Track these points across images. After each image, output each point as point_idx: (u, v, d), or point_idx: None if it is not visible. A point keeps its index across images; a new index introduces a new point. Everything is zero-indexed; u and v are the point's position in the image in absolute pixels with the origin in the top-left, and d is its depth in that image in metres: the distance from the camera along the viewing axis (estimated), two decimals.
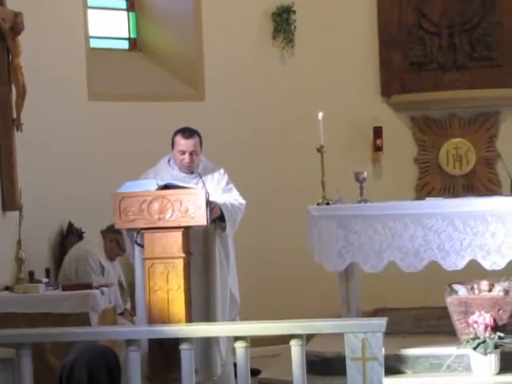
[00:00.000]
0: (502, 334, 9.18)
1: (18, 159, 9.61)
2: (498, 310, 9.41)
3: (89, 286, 9.03)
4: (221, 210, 8.45)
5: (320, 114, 9.68)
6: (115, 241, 9.83)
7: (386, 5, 12.18)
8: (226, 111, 11.44)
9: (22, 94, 9.58)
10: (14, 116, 9.56)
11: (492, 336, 9.15)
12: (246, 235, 9.21)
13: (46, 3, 10.24)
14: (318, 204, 9.70)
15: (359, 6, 12.14)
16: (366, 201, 9.84)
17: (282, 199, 10.77)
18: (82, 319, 8.64)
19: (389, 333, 8.01)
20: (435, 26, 12.21)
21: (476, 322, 9.24)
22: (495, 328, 9.21)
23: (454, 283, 9.64)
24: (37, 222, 9.76)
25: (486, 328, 9.18)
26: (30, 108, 9.64)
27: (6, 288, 9.18)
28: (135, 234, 8.59)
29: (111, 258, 9.99)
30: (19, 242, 9.31)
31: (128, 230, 8.62)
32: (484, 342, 9.13)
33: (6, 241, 9.32)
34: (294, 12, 12.01)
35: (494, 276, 9.57)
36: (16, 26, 9.56)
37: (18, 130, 9.61)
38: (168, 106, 11.04)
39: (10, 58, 9.54)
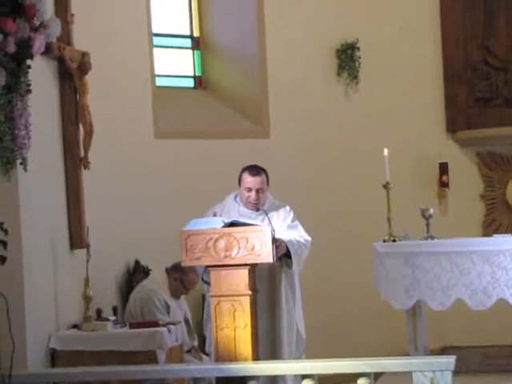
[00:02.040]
0: None
1: (85, 198, 9.66)
2: None
3: (156, 324, 9.05)
4: (287, 247, 8.46)
5: (386, 151, 9.69)
6: (180, 280, 9.85)
7: (450, 40, 12.16)
8: (291, 148, 11.48)
9: (89, 133, 9.64)
10: (82, 155, 9.62)
11: None
12: (312, 272, 9.18)
13: (113, 43, 10.32)
14: (384, 241, 9.68)
15: (424, 42, 12.16)
16: (432, 237, 9.81)
17: (348, 236, 10.79)
18: (150, 357, 8.64)
19: (457, 371, 7.94)
20: (500, 61, 12.20)
21: None
22: None
23: None
24: (104, 260, 9.77)
25: None
26: (97, 147, 9.69)
27: (74, 326, 9.22)
28: (201, 272, 8.62)
29: (176, 296, 9.97)
30: (87, 280, 9.31)
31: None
32: None
33: (74, 279, 9.36)
34: (358, 49, 12.07)
35: None
36: (83, 65, 9.62)
37: (85, 169, 9.67)
38: (233, 143, 11.10)
39: (78, 97, 9.61)
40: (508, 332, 9.59)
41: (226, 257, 8.22)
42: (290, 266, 8.62)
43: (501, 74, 12.17)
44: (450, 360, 7.87)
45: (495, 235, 10.20)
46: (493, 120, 11.97)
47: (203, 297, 9.76)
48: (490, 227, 11.60)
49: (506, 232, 10.66)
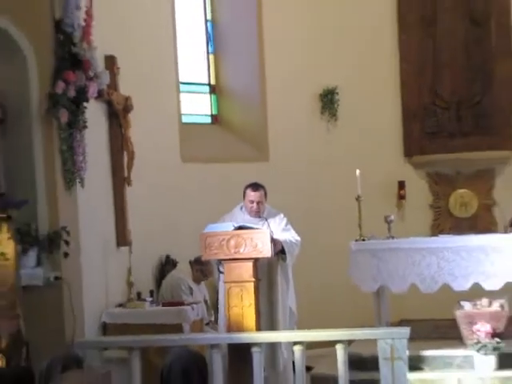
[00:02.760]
0: (498, 340, 9.14)
1: (128, 207, 9.71)
2: (496, 321, 9.41)
3: (182, 304, 9.19)
4: (282, 245, 8.48)
5: (358, 171, 9.66)
6: (200, 270, 9.89)
7: (407, 88, 12.13)
8: (285, 169, 11.43)
9: (131, 158, 9.70)
10: (126, 175, 9.68)
11: (491, 341, 9.13)
12: (303, 265, 9.17)
13: (149, 89, 10.30)
14: (357, 240, 9.68)
15: (386, 89, 12.10)
16: (392, 237, 9.77)
17: (330, 237, 10.68)
18: (177, 328, 8.74)
19: (411, 338, 7.97)
20: (445, 102, 12.15)
21: (479, 330, 9.20)
22: (493, 335, 9.20)
23: (462, 300, 9.56)
24: (143, 255, 9.84)
25: (486, 335, 9.15)
26: (137, 169, 9.76)
27: (120, 305, 9.29)
28: (217, 264, 8.69)
29: (197, 282, 9.99)
30: (129, 270, 9.41)
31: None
32: (485, 346, 9.09)
33: (120, 269, 9.44)
34: (337, 93, 12.02)
35: (492, 295, 9.52)
36: (126, 107, 9.70)
37: (128, 185, 9.72)
38: (240, 166, 11.05)
39: (122, 131, 9.68)
40: (450, 309, 9.59)
41: (235, 253, 8.19)
42: (284, 259, 8.59)
43: (445, 112, 12.14)
44: (405, 330, 7.90)
45: (440, 235, 10.22)
46: (439, 148, 11.95)
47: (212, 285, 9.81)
48: (437, 230, 11.55)
49: (448, 233, 10.61)
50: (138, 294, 9.55)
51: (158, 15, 10.81)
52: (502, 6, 11.94)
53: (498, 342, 9.08)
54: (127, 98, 9.72)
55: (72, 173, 8.53)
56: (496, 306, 9.49)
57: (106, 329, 9.00)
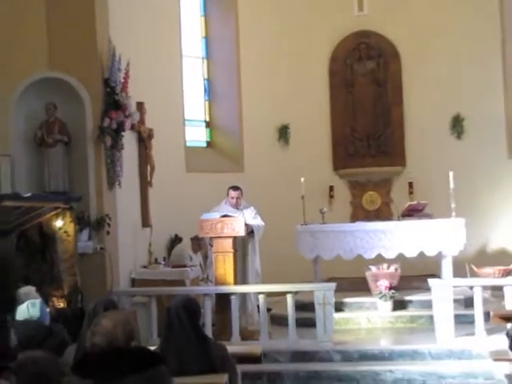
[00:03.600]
0: (394, 291, 9.23)
1: (150, 201, 9.70)
2: (392, 278, 9.47)
3: (184, 266, 9.21)
4: (252, 228, 8.48)
5: (302, 179, 9.62)
6: (197, 244, 9.82)
7: (336, 125, 12.04)
8: (255, 178, 11.26)
9: (152, 169, 9.73)
10: (149, 180, 9.69)
11: (389, 292, 9.21)
12: (267, 241, 9.14)
13: (165, 123, 10.24)
14: (301, 225, 9.65)
15: (322, 126, 11.97)
16: (325, 223, 9.69)
17: (285, 222, 10.29)
18: (181, 283, 8.74)
19: (337, 290, 8.06)
20: (360, 135, 12.09)
21: (381, 284, 9.29)
22: (390, 288, 9.26)
23: (370, 265, 9.66)
24: (159, 234, 9.81)
25: (385, 288, 9.23)
26: (156, 176, 9.76)
27: (144, 266, 9.29)
28: (209, 241, 8.69)
29: (195, 252, 9.91)
30: (150, 244, 9.43)
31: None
32: (385, 295, 9.19)
33: (144, 242, 9.45)
34: (289, 128, 11.94)
35: (389, 261, 9.55)
36: (150, 135, 9.72)
37: (150, 186, 9.72)
38: (225, 175, 10.91)
39: (147, 151, 9.69)
40: (362, 270, 9.59)
41: (221, 232, 8.18)
42: (253, 237, 8.58)
43: (360, 142, 12.04)
44: (332, 284, 8.05)
45: (356, 222, 10.18)
46: (356, 165, 11.87)
47: (205, 253, 9.72)
48: (354, 218, 11.44)
49: (361, 220, 10.39)
50: (156, 260, 9.57)
51: (171, 74, 10.80)
52: (395, 73, 11.90)
53: (393, 293, 9.20)
54: (150, 130, 9.73)
55: (113, 178, 8.59)
56: (392, 268, 9.56)
57: (134, 282, 9.00)
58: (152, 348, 4.04)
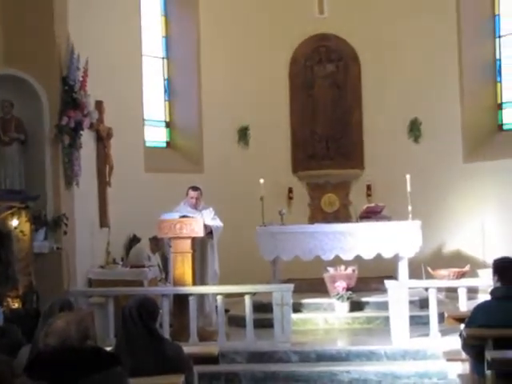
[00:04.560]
0: (351, 292, 9.29)
1: (108, 201, 9.64)
2: (349, 280, 9.53)
3: (143, 266, 9.09)
4: (210, 229, 8.43)
5: (261, 180, 9.64)
6: (155, 244, 9.72)
7: (295, 127, 12.07)
8: (214, 178, 11.24)
9: (111, 169, 9.67)
10: (107, 180, 9.63)
11: (346, 293, 9.27)
12: (226, 241, 9.12)
13: (125, 123, 10.15)
14: (260, 226, 9.66)
15: (282, 128, 12.01)
16: (284, 224, 9.75)
17: (245, 223, 10.32)
18: (139, 283, 8.67)
19: (295, 291, 8.08)
20: (319, 137, 12.14)
21: (338, 286, 9.34)
22: (347, 289, 9.32)
23: (328, 266, 9.67)
24: (117, 233, 9.73)
25: (343, 289, 9.29)
26: (115, 176, 9.70)
27: (101, 266, 9.19)
28: (168, 241, 8.63)
29: (153, 252, 9.82)
30: (108, 243, 9.35)
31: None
32: (342, 296, 9.25)
33: (101, 242, 9.37)
34: (249, 129, 11.95)
35: (347, 263, 9.58)
36: (109, 134, 9.66)
37: (109, 186, 9.66)
38: (184, 175, 10.86)
39: (106, 150, 9.61)
40: (320, 271, 9.62)
41: (179, 233, 8.14)
42: (212, 238, 8.53)
43: (319, 144, 12.10)
44: (290, 285, 8.06)
45: (315, 224, 10.24)
46: (315, 167, 11.92)
47: (163, 253, 9.72)
48: (313, 219, 11.43)
49: (320, 222, 10.50)
50: (114, 260, 9.49)
51: (131, 74, 10.72)
52: (355, 76, 12.00)
53: (350, 294, 9.25)
54: (109, 129, 9.67)
55: (71, 177, 8.51)
56: (349, 270, 9.61)
57: (90, 283, 8.91)
58: (108, 348, 4.00)
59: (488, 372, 4.72)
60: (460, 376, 5.97)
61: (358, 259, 9.47)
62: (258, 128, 11.89)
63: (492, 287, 5.37)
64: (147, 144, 11.22)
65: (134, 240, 10.17)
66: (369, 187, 11.79)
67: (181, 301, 8.06)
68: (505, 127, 11.45)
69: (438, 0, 11.52)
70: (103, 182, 9.57)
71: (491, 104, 11.55)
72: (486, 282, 7.85)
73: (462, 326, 5.52)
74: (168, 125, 11.89)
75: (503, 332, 4.73)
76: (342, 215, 11.62)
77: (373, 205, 10.19)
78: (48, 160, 8.34)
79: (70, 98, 8.41)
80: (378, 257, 9.36)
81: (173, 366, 4.24)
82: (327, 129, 12.11)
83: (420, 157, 11.58)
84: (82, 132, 8.57)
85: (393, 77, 11.74)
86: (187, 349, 4.91)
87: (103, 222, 9.49)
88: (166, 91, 11.90)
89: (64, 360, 3.17)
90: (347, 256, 9.43)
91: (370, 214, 9.91)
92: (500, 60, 11.51)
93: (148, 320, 4.31)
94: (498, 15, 11.51)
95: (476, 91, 11.50)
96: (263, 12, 11.88)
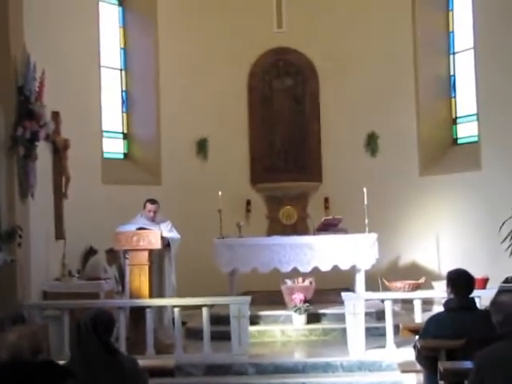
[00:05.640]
0: (308, 304, 9.33)
1: (64, 213, 9.55)
2: (307, 292, 9.55)
3: (99, 279, 9.00)
4: (168, 241, 8.41)
5: (220, 193, 9.69)
6: (112, 257, 9.67)
7: (254, 140, 12.17)
8: (173, 189, 11.21)
9: (67, 180, 9.56)
10: (63, 191, 9.53)
11: (303, 305, 9.31)
12: (184, 253, 9.07)
13: (82, 134, 10.08)
14: (218, 238, 9.67)
15: (241, 141, 12.08)
16: (242, 236, 9.80)
17: (203, 235, 10.29)
18: (95, 296, 8.56)
19: (252, 303, 8.11)
20: (278, 150, 12.22)
21: (296, 298, 9.38)
22: (305, 301, 9.36)
23: (285, 278, 9.71)
24: (74, 246, 9.62)
25: (300, 301, 9.33)
26: (71, 188, 9.60)
27: (57, 279, 9.08)
28: (124, 253, 8.58)
29: (110, 265, 9.77)
30: (63, 256, 9.23)
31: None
32: (299, 308, 9.29)
33: (57, 254, 9.23)
34: (208, 141, 11.98)
35: (305, 275, 9.64)
36: (65, 146, 9.56)
37: (65, 198, 9.55)
38: (141, 187, 10.83)
39: (62, 162, 9.52)
40: (278, 283, 9.65)
41: (136, 245, 8.12)
42: (169, 250, 8.50)
43: (277, 157, 12.19)
44: (248, 298, 8.10)
45: (273, 236, 10.25)
46: (273, 179, 11.86)
47: (120, 265, 9.62)
48: (271, 232, 11.22)
49: (278, 234, 10.52)
50: (69, 272, 9.35)
51: (89, 85, 10.69)
52: (313, 90, 12.12)
53: (307, 306, 9.30)
54: (66, 140, 9.58)
55: (26, 189, 8.38)
56: (307, 282, 9.67)
57: (46, 295, 8.78)
58: (62, 362, 3.95)
59: (441, 382, 4.78)
60: None
61: (315, 271, 9.54)
62: (216, 140, 11.91)
63: (446, 299, 5.45)
64: (105, 156, 11.15)
65: (90, 252, 10.09)
66: (326, 200, 11.90)
67: (137, 313, 8.02)
68: (459, 141, 11.66)
69: (395, 17, 11.71)
70: (59, 194, 9.48)
71: (446, 118, 11.77)
72: (440, 293, 7.97)
73: (417, 337, 5.59)
74: (126, 136, 11.84)
75: (456, 343, 4.80)
76: (299, 228, 11.60)
77: (330, 217, 10.28)
78: (2, 171, 8.20)
79: (26, 109, 8.30)
80: (336, 269, 9.46)
81: (128, 379, 4.20)
82: (285, 142, 12.21)
83: (377, 170, 11.72)
84: (37, 143, 8.45)
85: (351, 91, 11.88)
86: (143, 362, 4.88)
87: (59, 233, 9.38)
88: (124, 103, 11.87)
89: (16, 374, 3.13)
90: (305, 268, 9.49)
91: (328, 227, 10.01)
92: (454, 76, 11.74)
93: (103, 333, 4.28)
94: (453, 32, 11.75)
95: (431, 106, 11.71)
96: (222, 25, 11.94)
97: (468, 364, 4.32)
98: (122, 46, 11.87)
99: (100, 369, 4.16)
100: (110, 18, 11.66)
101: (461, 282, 5.34)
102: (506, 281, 5.29)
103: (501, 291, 4.94)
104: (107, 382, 4.15)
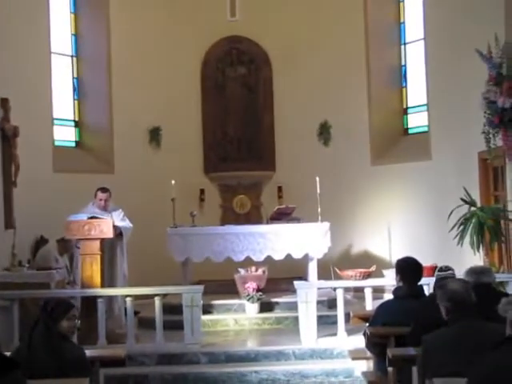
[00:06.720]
0: (261, 293, 9.41)
1: (14, 201, 9.38)
2: (260, 281, 9.64)
3: (50, 268, 8.85)
4: (120, 230, 8.40)
5: (173, 182, 9.63)
6: (63, 246, 9.52)
7: (207, 129, 12.15)
8: (126, 179, 11.12)
9: (17, 168, 9.36)
10: (13, 180, 9.36)
11: (256, 294, 9.38)
12: (136, 243, 9.06)
13: (33, 122, 9.90)
14: (171, 227, 9.65)
15: (194, 129, 12.03)
16: (195, 226, 9.82)
17: (156, 223, 10.30)
18: (46, 286, 8.43)
19: (205, 292, 8.05)
20: (231, 139, 12.23)
21: (249, 287, 9.44)
22: (258, 290, 9.43)
23: (239, 267, 9.79)
24: (24, 235, 9.45)
25: (253, 290, 9.40)
26: (21, 176, 9.42)
27: (6, 269, 8.92)
28: (76, 242, 8.50)
29: (61, 254, 9.60)
30: (13, 245, 9.07)
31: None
32: (252, 297, 9.36)
33: (7, 245, 9.08)
34: (161, 130, 11.87)
35: (258, 264, 9.74)
36: (15, 133, 9.36)
37: (15, 186, 9.39)
38: (94, 175, 10.75)
39: (12, 150, 9.35)
40: (231, 272, 9.70)
41: (88, 234, 8.07)
42: (121, 239, 8.48)
43: (231, 145, 12.20)
44: (201, 287, 8.09)
45: (226, 225, 10.29)
46: (226, 168, 11.91)
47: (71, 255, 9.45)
48: (224, 221, 11.46)
49: (232, 223, 10.51)
50: (20, 262, 9.20)
51: (39, 72, 10.50)
52: (266, 79, 12.16)
53: (260, 295, 9.37)
54: (15, 127, 9.38)
55: None
56: (260, 271, 9.76)
57: None
58: (8, 353, 3.92)
59: (390, 369, 4.88)
60: (364, 373, 6.14)
61: (268, 260, 9.62)
62: (169, 129, 11.85)
63: (395, 287, 5.55)
64: (56, 143, 11.00)
65: (41, 241, 9.96)
66: (280, 189, 11.98)
67: (89, 303, 7.96)
68: (410, 131, 11.84)
69: (347, 7, 11.79)
70: (9, 182, 9.30)
71: (397, 108, 11.92)
72: (390, 281, 8.09)
73: (367, 325, 5.69)
74: (77, 124, 11.70)
75: (404, 330, 4.90)
76: (253, 217, 11.72)
77: (283, 206, 10.34)
78: None
79: None
80: (288, 258, 9.54)
81: (67, 366, 4.20)
82: (239, 130, 12.22)
83: (330, 159, 11.83)
84: None
85: (303, 80, 11.94)
86: (94, 351, 4.86)
87: (8, 223, 9.21)
88: (75, 90, 11.70)
89: None
90: (258, 257, 9.56)
91: (281, 216, 10.07)
92: (405, 66, 11.89)
93: (48, 318, 4.29)
94: (404, 23, 11.89)
95: (383, 96, 11.84)
96: (175, 13, 11.86)
97: (415, 351, 4.41)
98: (73, 32, 11.68)
99: (42, 354, 4.19)
100: (60, 4, 11.47)
101: (409, 269, 5.46)
102: (441, 269, 5.44)
103: (443, 278, 5.06)
104: (49, 368, 4.16)
